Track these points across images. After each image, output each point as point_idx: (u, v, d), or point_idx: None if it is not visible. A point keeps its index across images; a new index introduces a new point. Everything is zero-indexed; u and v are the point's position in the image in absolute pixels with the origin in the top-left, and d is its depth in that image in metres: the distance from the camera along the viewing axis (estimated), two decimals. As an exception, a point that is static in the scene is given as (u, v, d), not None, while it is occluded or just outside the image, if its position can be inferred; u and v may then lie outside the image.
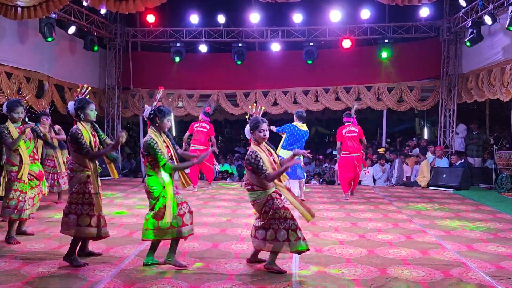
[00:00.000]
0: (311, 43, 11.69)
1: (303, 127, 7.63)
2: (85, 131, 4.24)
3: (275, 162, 4.22)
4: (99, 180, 4.33)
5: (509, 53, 9.21)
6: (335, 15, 11.22)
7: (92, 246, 4.68)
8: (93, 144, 4.27)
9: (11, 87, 9.00)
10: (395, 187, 10.55)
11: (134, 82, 12.90)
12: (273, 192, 4.13)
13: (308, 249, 4.10)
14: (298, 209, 4.10)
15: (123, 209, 7.04)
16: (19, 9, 7.72)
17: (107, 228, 4.42)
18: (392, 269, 4.20)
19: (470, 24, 9.95)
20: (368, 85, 12.29)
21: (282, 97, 12.56)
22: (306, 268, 4.22)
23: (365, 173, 8.50)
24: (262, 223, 4.10)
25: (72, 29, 10.42)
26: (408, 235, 5.54)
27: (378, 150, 12.12)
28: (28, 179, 5.15)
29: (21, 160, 5.09)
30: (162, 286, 3.75)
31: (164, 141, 4.17)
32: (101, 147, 4.42)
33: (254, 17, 11.56)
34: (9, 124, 5.12)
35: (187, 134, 9.33)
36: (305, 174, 7.73)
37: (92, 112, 4.37)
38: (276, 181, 4.11)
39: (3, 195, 5.15)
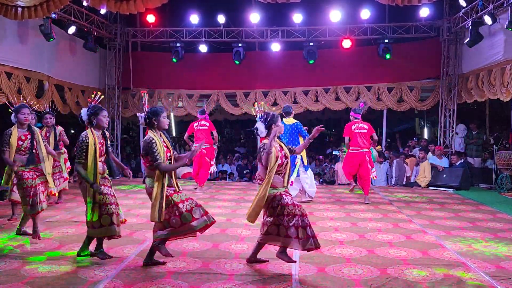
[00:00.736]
0: (311, 43, 11.69)
1: (289, 121, 7.59)
2: (92, 137, 4.31)
3: (286, 157, 4.25)
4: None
5: (509, 53, 9.21)
6: (335, 15, 11.22)
7: (92, 245, 4.68)
8: (97, 151, 4.32)
9: (11, 87, 9.00)
10: (394, 187, 10.55)
11: (134, 82, 12.90)
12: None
13: (318, 247, 4.11)
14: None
15: (123, 209, 7.02)
16: (19, 9, 7.72)
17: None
18: (392, 269, 4.20)
19: (470, 24, 9.95)
20: (368, 85, 12.28)
21: (282, 97, 12.56)
22: (306, 268, 4.22)
23: (373, 178, 8.39)
24: (271, 219, 4.10)
25: (72, 29, 10.42)
26: (408, 235, 5.55)
27: (375, 148, 12.10)
28: (37, 175, 5.22)
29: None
30: (162, 286, 3.75)
31: (164, 142, 4.19)
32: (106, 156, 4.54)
33: (254, 17, 11.56)
34: (14, 130, 5.20)
35: (186, 135, 9.28)
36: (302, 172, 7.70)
37: (104, 118, 4.45)
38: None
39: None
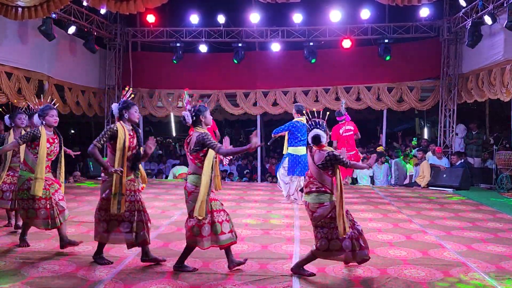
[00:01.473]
0: (311, 43, 11.69)
1: (303, 120, 7.47)
2: (121, 130, 4.22)
3: None
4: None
5: (509, 53, 9.21)
6: (335, 15, 11.22)
7: (92, 245, 4.68)
8: (127, 145, 4.23)
9: (11, 87, 9.00)
10: (394, 187, 10.55)
11: (134, 82, 12.88)
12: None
13: (368, 259, 4.09)
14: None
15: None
16: (20, 9, 7.71)
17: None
18: (392, 269, 4.20)
19: (470, 24, 9.95)
20: (368, 85, 12.28)
21: (282, 97, 12.56)
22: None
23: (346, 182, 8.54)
24: (327, 231, 3.97)
25: (72, 29, 10.42)
26: (408, 235, 5.55)
27: (377, 148, 12.11)
28: (48, 184, 4.70)
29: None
30: (162, 286, 3.75)
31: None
32: (140, 149, 4.41)
33: (254, 17, 11.56)
34: (42, 129, 4.68)
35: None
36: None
37: (136, 113, 4.41)
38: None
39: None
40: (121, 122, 4.30)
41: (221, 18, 11.90)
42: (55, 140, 4.79)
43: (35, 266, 4.19)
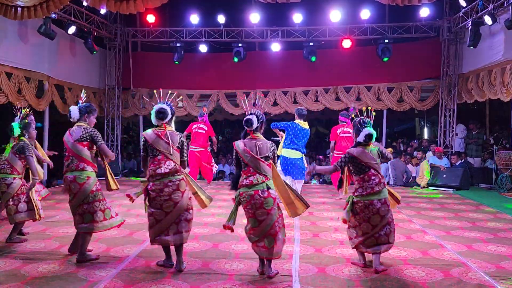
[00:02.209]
0: (311, 43, 11.69)
1: (305, 125, 7.45)
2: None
3: None
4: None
5: (509, 53, 9.21)
6: (335, 15, 11.22)
7: (92, 245, 4.68)
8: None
9: (11, 87, 9.00)
10: (394, 187, 10.54)
11: (134, 82, 12.90)
12: None
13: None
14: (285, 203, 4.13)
15: (124, 209, 7.04)
16: (19, 9, 7.71)
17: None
18: (392, 269, 4.20)
19: (470, 24, 9.95)
20: (368, 85, 12.28)
21: (282, 97, 12.56)
22: (306, 268, 4.22)
23: None
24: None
25: (72, 29, 10.42)
26: (408, 235, 5.55)
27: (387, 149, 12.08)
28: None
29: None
30: (162, 286, 3.75)
31: None
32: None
33: (254, 17, 11.55)
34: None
35: (185, 133, 9.17)
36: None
37: None
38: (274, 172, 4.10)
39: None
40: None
41: (221, 18, 11.89)
42: None
43: (35, 266, 4.19)
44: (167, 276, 3.98)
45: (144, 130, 13.65)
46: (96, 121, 4.72)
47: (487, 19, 9.09)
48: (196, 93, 12.92)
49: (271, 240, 3.94)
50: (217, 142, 11.50)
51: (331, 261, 4.46)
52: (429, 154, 11.16)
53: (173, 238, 4.12)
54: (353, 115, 8.17)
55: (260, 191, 3.93)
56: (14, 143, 5.21)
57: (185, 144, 4.31)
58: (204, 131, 9.03)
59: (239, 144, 4.09)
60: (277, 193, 4.08)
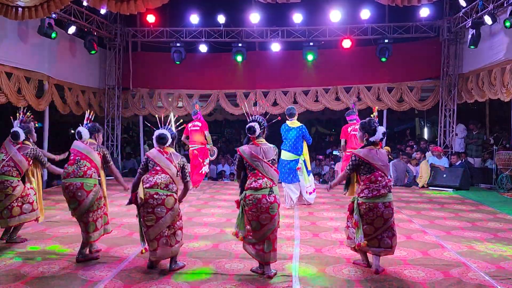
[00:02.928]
0: (311, 43, 11.69)
1: (293, 124, 7.37)
2: None
3: None
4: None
5: (509, 53, 9.21)
6: (335, 15, 11.22)
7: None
8: None
9: (11, 87, 9.00)
10: (395, 187, 10.54)
11: (134, 82, 12.90)
12: None
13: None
14: None
15: (123, 209, 7.03)
16: (20, 9, 7.71)
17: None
18: (392, 269, 4.20)
19: (470, 24, 9.95)
20: (368, 85, 12.28)
21: (282, 97, 12.56)
22: (306, 268, 4.22)
23: None
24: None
25: (72, 29, 10.42)
26: (408, 235, 5.55)
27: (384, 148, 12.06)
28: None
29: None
30: (162, 286, 3.75)
31: None
32: None
33: (254, 17, 11.55)
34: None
35: (184, 136, 9.13)
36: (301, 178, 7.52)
37: None
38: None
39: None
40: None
41: (221, 18, 11.89)
42: None
43: (35, 266, 4.19)
44: (167, 276, 3.98)
45: (144, 130, 13.73)
46: (102, 139, 4.98)
47: (487, 19, 9.09)
48: (196, 93, 12.91)
49: (270, 244, 3.97)
50: (217, 142, 11.42)
51: (331, 261, 4.46)
52: (429, 154, 11.16)
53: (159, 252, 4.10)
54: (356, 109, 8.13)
55: (267, 196, 3.95)
56: (19, 146, 5.17)
57: (186, 166, 4.36)
58: (198, 127, 8.96)
59: (245, 150, 4.08)
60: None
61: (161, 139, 4.27)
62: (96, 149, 4.69)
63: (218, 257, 4.53)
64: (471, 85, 10.84)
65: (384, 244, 4.14)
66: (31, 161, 5.19)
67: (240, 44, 11.83)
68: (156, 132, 4.32)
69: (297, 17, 11.51)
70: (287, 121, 7.44)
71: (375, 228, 4.14)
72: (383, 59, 11.37)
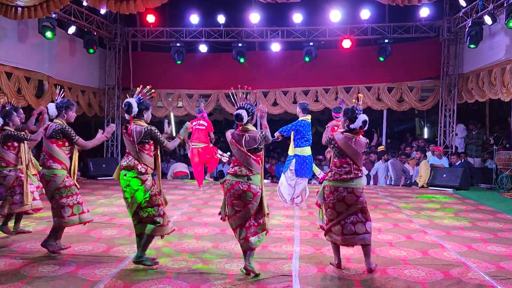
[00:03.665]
0: (311, 43, 11.69)
1: (308, 118, 7.22)
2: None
3: None
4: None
5: (509, 53, 9.22)
6: (335, 15, 11.22)
7: (91, 245, 4.68)
8: None
9: (11, 87, 9.00)
10: (394, 187, 10.55)
11: (134, 82, 12.90)
12: None
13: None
14: None
15: (123, 209, 7.02)
16: (19, 9, 7.72)
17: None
18: (392, 269, 4.20)
19: (470, 24, 9.95)
20: (368, 85, 12.29)
21: (282, 97, 12.57)
22: (306, 268, 4.22)
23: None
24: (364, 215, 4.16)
25: (72, 29, 10.43)
26: (408, 235, 5.54)
27: (378, 148, 12.10)
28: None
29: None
30: (162, 286, 3.75)
31: None
32: None
33: (254, 17, 11.55)
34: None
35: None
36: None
37: None
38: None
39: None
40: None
41: (221, 18, 11.90)
42: None
43: (35, 266, 4.18)
44: (167, 276, 3.98)
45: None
46: (76, 115, 4.73)
47: (487, 19, 9.09)
48: (196, 93, 12.92)
49: (243, 232, 4.01)
50: (217, 142, 11.43)
51: (331, 261, 4.45)
52: (429, 154, 11.16)
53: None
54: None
55: (240, 183, 3.98)
56: None
57: (155, 132, 4.21)
58: (204, 127, 8.98)
59: (228, 135, 4.17)
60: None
61: (125, 107, 4.30)
62: (55, 136, 4.45)
63: (218, 257, 4.52)
64: (471, 85, 10.85)
65: (347, 230, 4.09)
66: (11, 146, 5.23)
67: (240, 44, 11.83)
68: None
69: (297, 17, 11.51)
70: (302, 118, 7.16)
71: (337, 213, 4.14)
72: (381, 59, 11.37)
